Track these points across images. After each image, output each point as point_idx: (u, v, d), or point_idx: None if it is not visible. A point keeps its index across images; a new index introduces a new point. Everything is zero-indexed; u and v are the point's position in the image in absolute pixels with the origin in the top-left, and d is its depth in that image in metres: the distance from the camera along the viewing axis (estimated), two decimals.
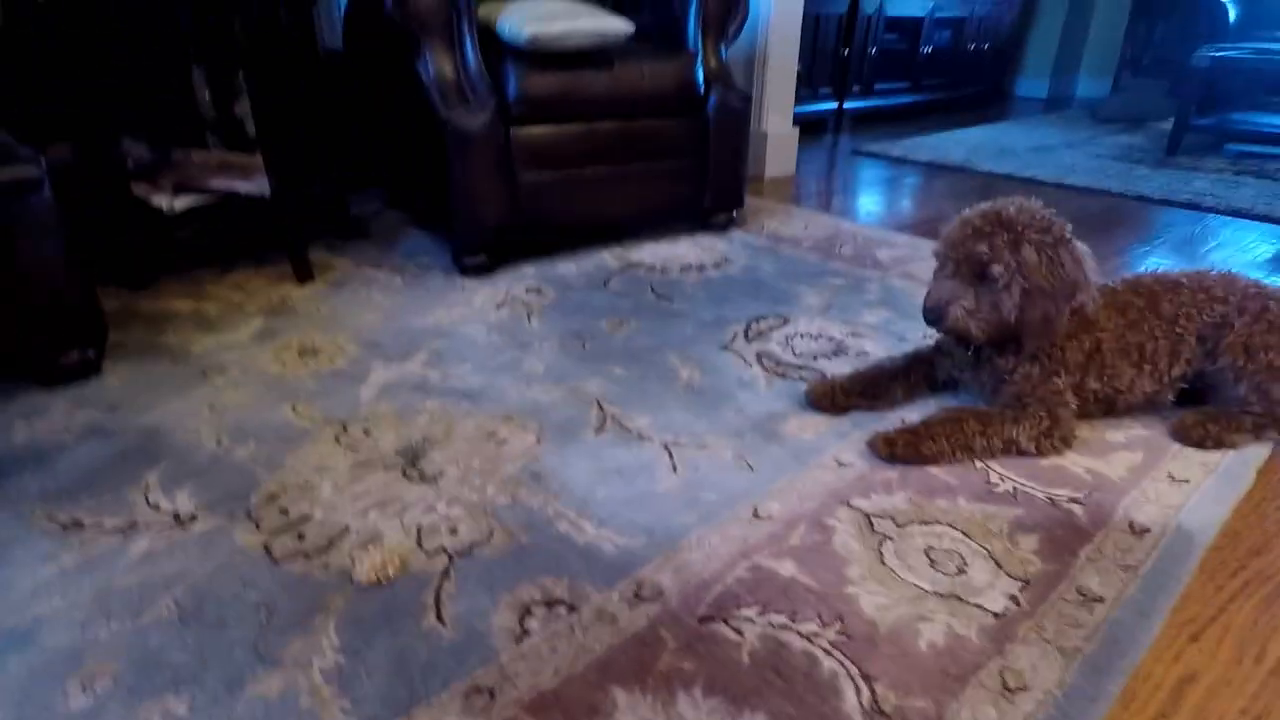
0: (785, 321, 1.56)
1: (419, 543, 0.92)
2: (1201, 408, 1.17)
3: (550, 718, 0.70)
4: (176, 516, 0.97)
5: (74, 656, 0.77)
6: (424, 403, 1.23)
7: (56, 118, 1.55)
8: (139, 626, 0.80)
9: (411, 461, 1.08)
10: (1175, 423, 1.15)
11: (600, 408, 1.22)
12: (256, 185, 1.72)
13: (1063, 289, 1.03)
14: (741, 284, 1.76)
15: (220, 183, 1.73)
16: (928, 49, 4.05)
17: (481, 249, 1.76)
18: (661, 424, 1.18)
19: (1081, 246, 1.07)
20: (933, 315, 1.09)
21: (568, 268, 1.84)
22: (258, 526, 0.95)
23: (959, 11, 4.14)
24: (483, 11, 1.73)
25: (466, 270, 1.77)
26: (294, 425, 1.17)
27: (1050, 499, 1.01)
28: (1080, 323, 1.10)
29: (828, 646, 0.77)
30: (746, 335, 1.49)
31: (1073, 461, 1.09)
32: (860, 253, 1.99)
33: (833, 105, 3.68)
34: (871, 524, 0.96)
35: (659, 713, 0.70)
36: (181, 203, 1.65)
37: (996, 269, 1.03)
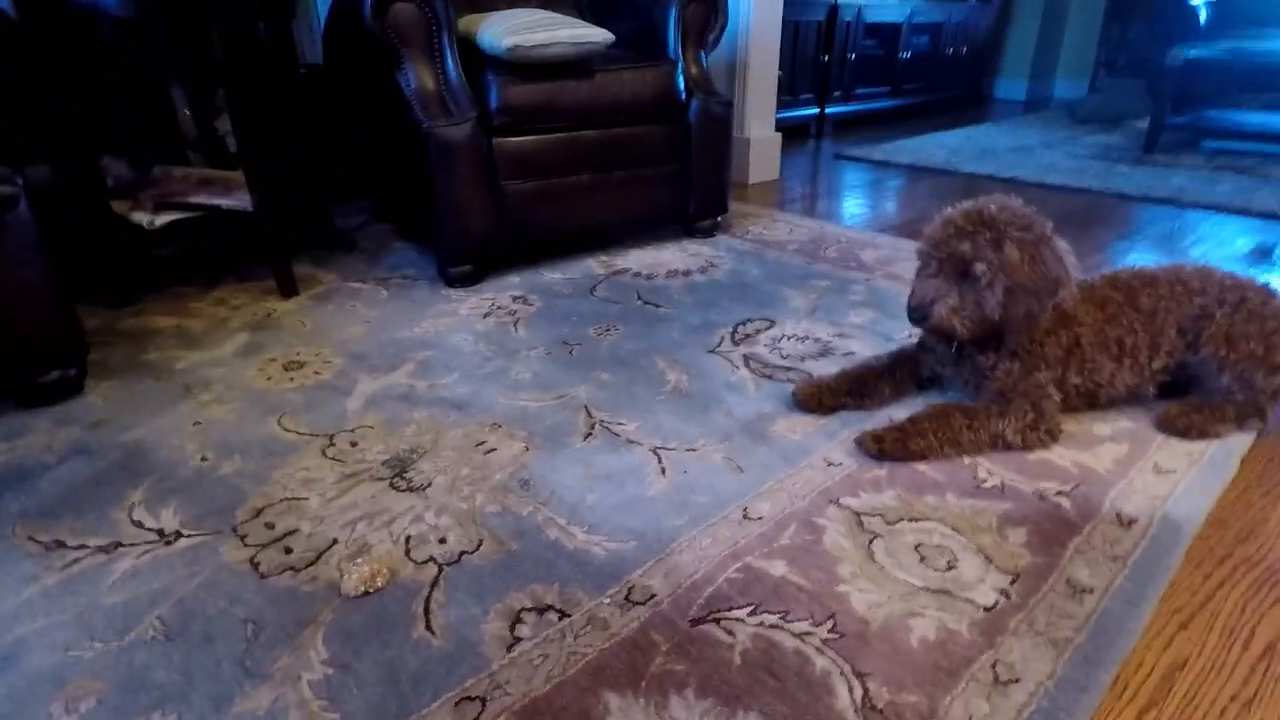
0: (772, 324, 1.56)
1: (408, 553, 0.92)
2: (1185, 399, 1.18)
3: None
4: (161, 534, 0.96)
5: (57, 678, 0.76)
6: (411, 413, 1.23)
7: (35, 137, 1.54)
8: (124, 645, 0.79)
9: (399, 472, 1.08)
10: (1160, 414, 1.16)
11: (588, 414, 1.22)
12: (238, 200, 1.71)
13: (1045, 286, 1.04)
14: (728, 288, 1.77)
15: (201, 198, 1.72)
16: (906, 54, 4.09)
17: (467, 259, 1.76)
18: (650, 428, 1.18)
19: (1062, 244, 1.08)
20: (917, 315, 1.10)
21: (554, 276, 1.84)
22: (244, 541, 0.94)
23: (936, 17, 4.20)
24: (463, 23, 1.74)
25: (452, 281, 1.77)
26: (280, 439, 1.16)
27: (1038, 493, 1.02)
28: (1059, 318, 1.11)
29: (820, 645, 0.77)
30: (733, 339, 1.50)
31: (1059, 455, 1.10)
32: (845, 255, 2.00)
33: (814, 111, 3.71)
34: (861, 522, 0.96)
35: (652, 716, 0.70)
36: (162, 219, 1.64)
37: (979, 267, 1.04)
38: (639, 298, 1.71)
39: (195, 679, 0.75)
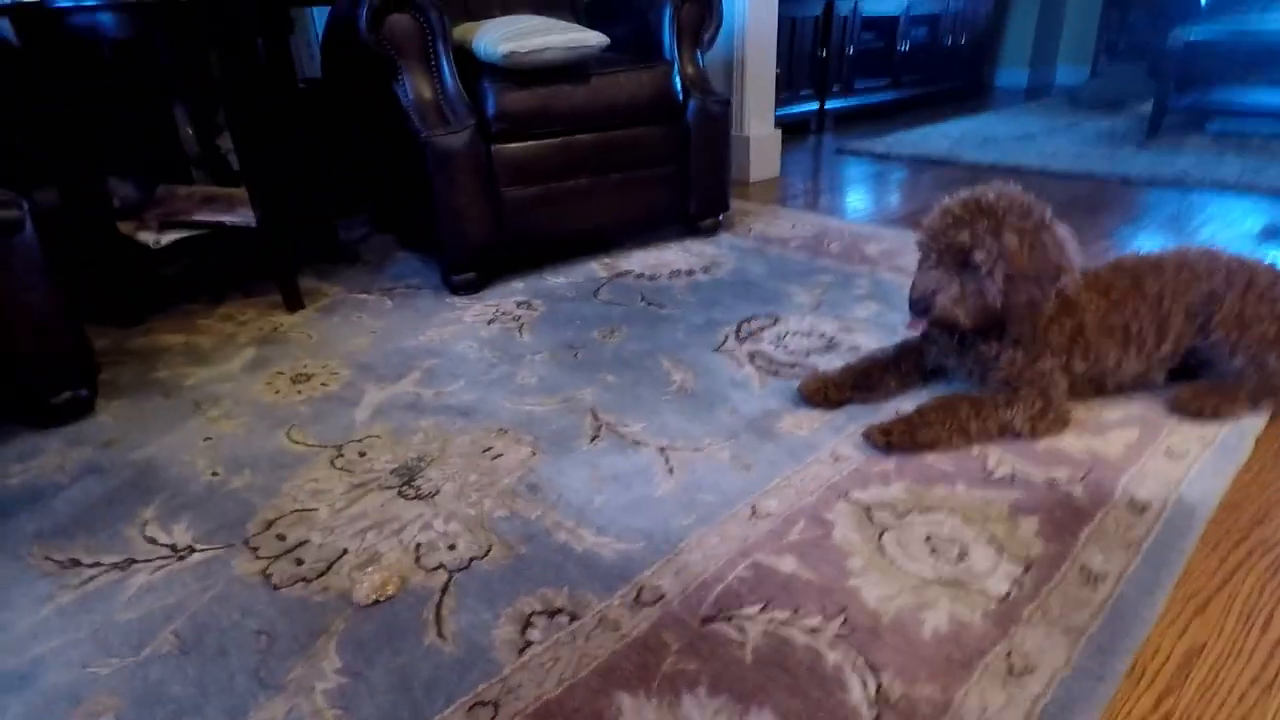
0: (776, 321, 1.56)
1: (418, 560, 0.92)
2: (1197, 381, 1.16)
3: None
4: (174, 549, 0.97)
5: (74, 695, 0.76)
6: (418, 422, 1.23)
7: (42, 161, 1.56)
8: (139, 661, 0.80)
9: (408, 480, 1.08)
10: (1172, 397, 1.15)
11: (594, 416, 1.22)
12: (242, 217, 1.73)
13: (1046, 272, 1.03)
14: (731, 286, 1.77)
15: (206, 216, 1.73)
16: (905, 46, 4.08)
17: (470, 266, 1.77)
18: (656, 429, 1.18)
19: (1063, 229, 1.07)
20: (920, 306, 1.09)
21: (557, 280, 1.85)
22: (255, 554, 0.95)
23: (934, 8, 4.18)
24: (457, 32, 1.75)
25: (456, 288, 1.77)
26: (289, 452, 1.17)
27: (1049, 481, 1.01)
28: (1062, 305, 1.10)
29: (831, 640, 0.77)
30: (738, 336, 1.49)
31: (1070, 442, 1.09)
32: (848, 249, 2.00)
33: (814, 106, 3.70)
34: (870, 515, 0.96)
35: (664, 715, 0.70)
36: (167, 238, 1.66)
37: (979, 256, 1.03)
38: (642, 299, 1.71)
39: (210, 692, 0.75)
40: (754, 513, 0.97)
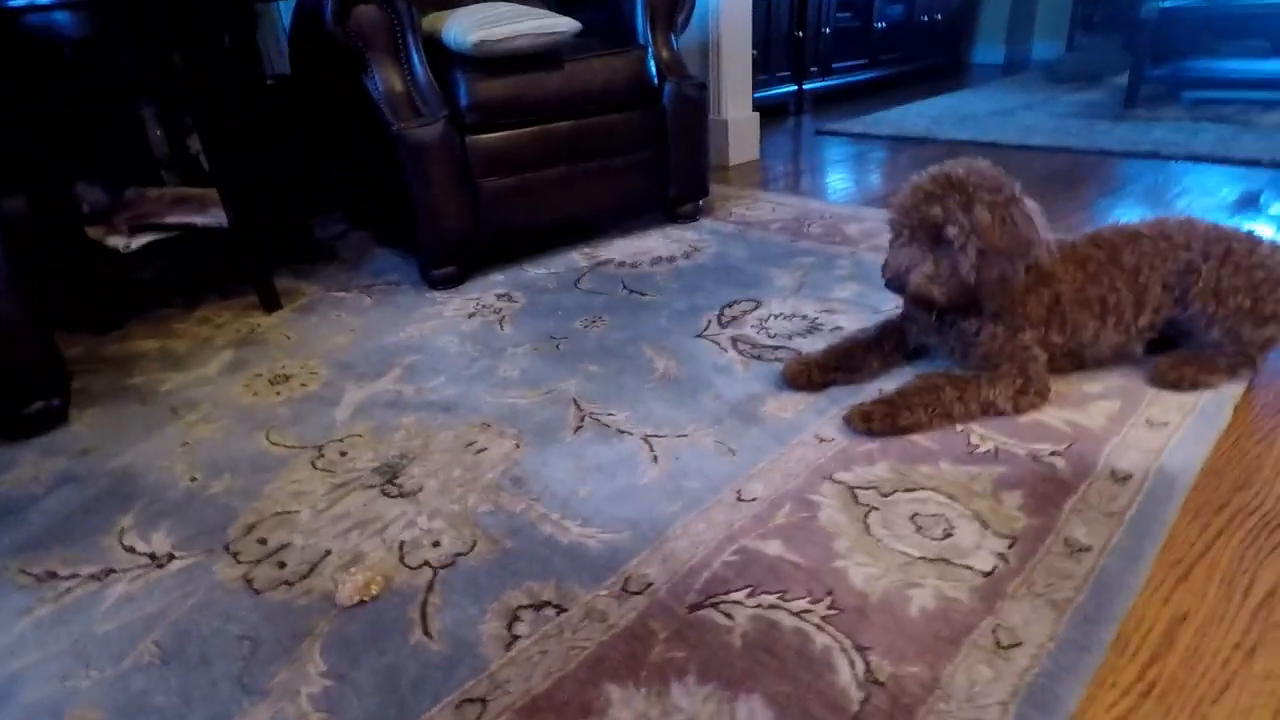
0: (758, 304, 1.55)
1: (402, 559, 0.91)
2: (1176, 351, 1.17)
3: None
4: (153, 557, 0.95)
5: (55, 709, 0.75)
6: (400, 419, 1.22)
7: (5, 168, 1.52)
8: (120, 672, 0.78)
9: (390, 478, 1.07)
10: (1151, 368, 1.16)
11: (578, 407, 1.21)
12: (214, 218, 1.69)
13: (1017, 247, 1.03)
14: (713, 271, 1.76)
15: (177, 218, 1.70)
16: (881, 25, 4.06)
17: (449, 260, 1.75)
18: (640, 417, 1.17)
19: (1031, 203, 1.07)
20: (894, 284, 1.09)
21: (538, 271, 1.83)
22: (237, 559, 0.93)
23: None
24: (427, 22, 1.71)
25: (435, 283, 1.75)
26: (269, 454, 1.15)
27: (1032, 454, 1.01)
28: (1038, 276, 1.10)
29: (819, 622, 0.77)
30: (720, 321, 1.49)
31: (1052, 415, 1.10)
32: (829, 230, 1.99)
33: (792, 88, 3.68)
34: (856, 496, 0.96)
35: (653, 704, 0.69)
36: (138, 242, 1.63)
37: (951, 230, 1.03)
38: (624, 287, 1.70)
39: (193, 701, 0.74)
40: (739, 497, 0.97)
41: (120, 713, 0.74)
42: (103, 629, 0.84)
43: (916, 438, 1.06)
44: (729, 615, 0.79)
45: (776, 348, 1.37)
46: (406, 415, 1.23)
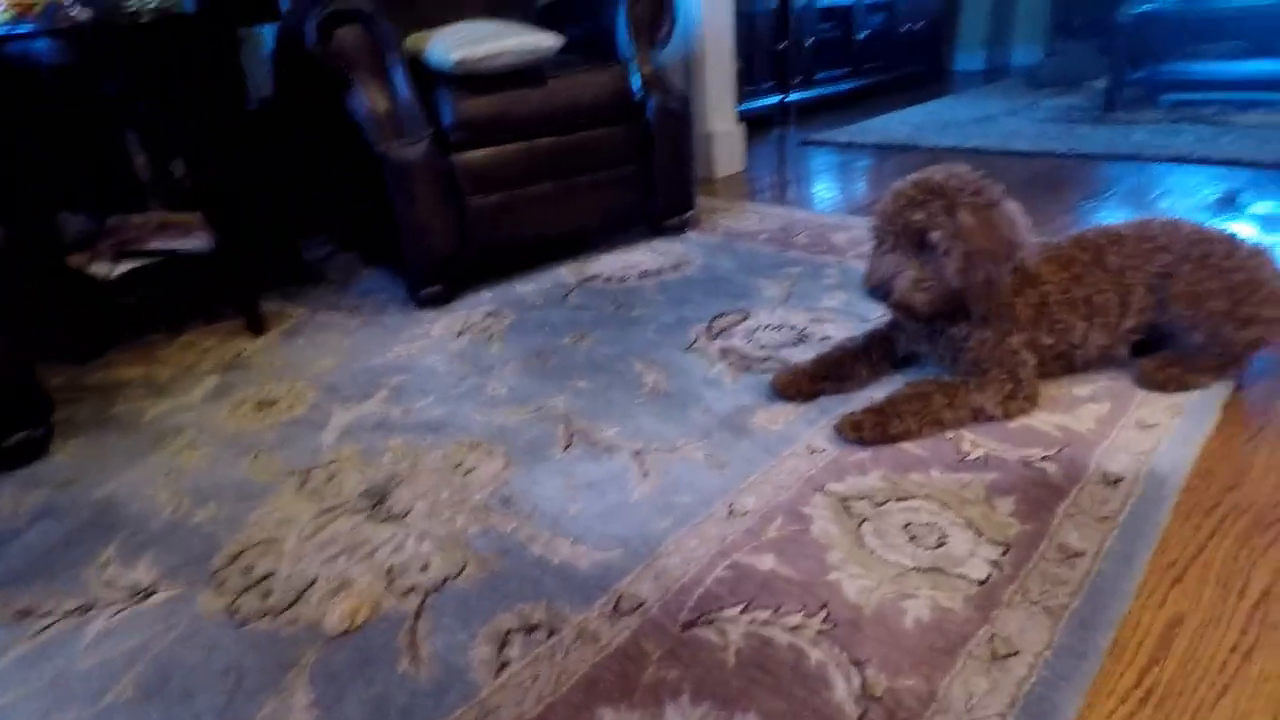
0: (746, 316, 1.55)
1: (390, 584, 0.89)
2: (1162, 353, 1.17)
3: None
4: (135, 590, 0.93)
5: None
6: (387, 441, 1.21)
7: None
8: (100, 710, 0.77)
9: (378, 502, 1.05)
10: (1138, 370, 1.16)
11: (567, 424, 1.20)
12: (198, 242, 1.68)
13: (1001, 249, 1.03)
14: (700, 284, 1.76)
15: (160, 244, 1.69)
16: (863, 34, 4.10)
17: (436, 279, 1.74)
18: (630, 433, 1.16)
19: (1013, 206, 1.07)
20: (879, 292, 1.09)
21: (525, 287, 1.83)
22: (221, 589, 0.92)
23: None
24: (409, 41, 1.72)
25: (423, 302, 1.74)
26: (254, 480, 1.14)
27: (1023, 460, 1.01)
28: (1024, 279, 1.10)
29: (814, 637, 0.76)
30: (709, 334, 1.48)
31: (1042, 420, 1.09)
32: (816, 240, 2.00)
33: (776, 99, 3.71)
34: (848, 507, 0.95)
35: None
36: (121, 269, 1.61)
37: (935, 235, 1.03)
38: (612, 302, 1.69)
39: None
40: (731, 512, 0.96)
41: None
42: (83, 665, 0.82)
43: (907, 446, 1.06)
44: (723, 632, 0.78)
45: (765, 359, 1.36)
46: (394, 437, 1.21)
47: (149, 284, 1.67)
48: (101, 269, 1.61)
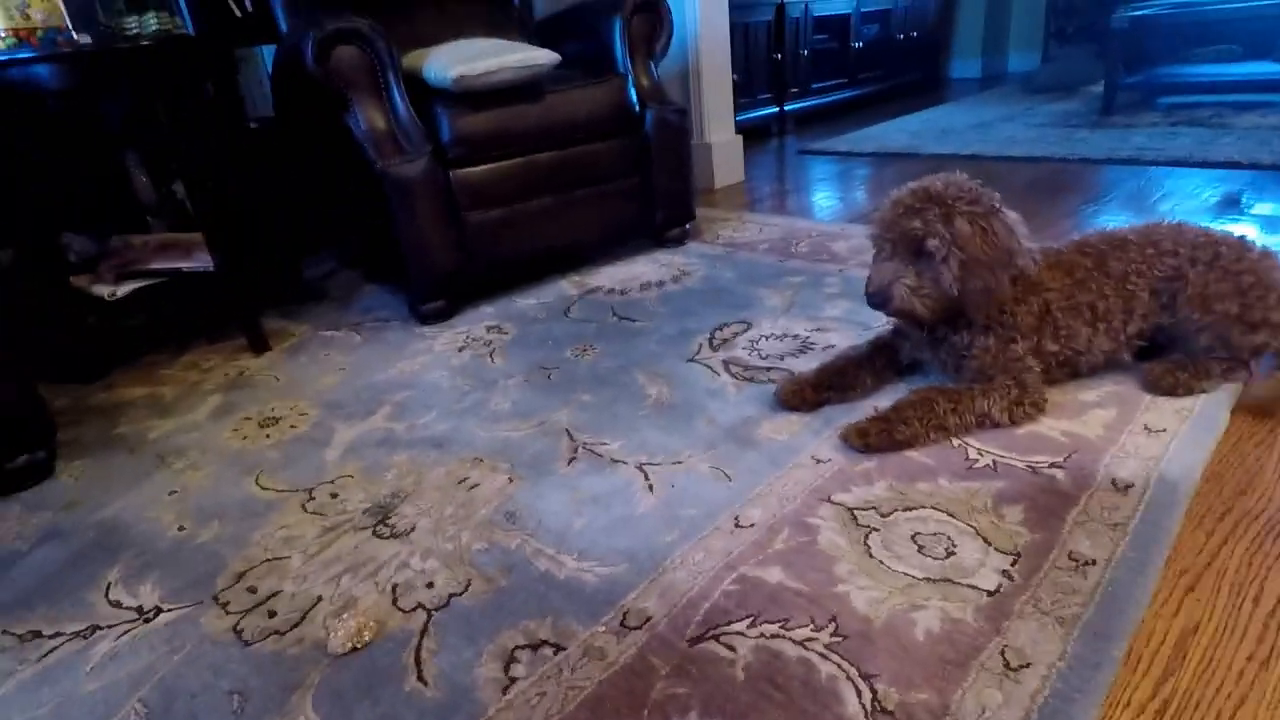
0: (749, 326, 1.55)
1: (395, 602, 0.89)
2: (1169, 357, 1.16)
3: None
4: (140, 611, 0.93)
5: None
6: (391, 457, 1.20)
7: None
8: None
9: (382, 519, 1.05)
10: (1145, 374, 1.15)
11: (571, 437, 1.20)
12: (200, 262, 1.69)
13: (999, 257, 1.03)
14: (702, 294, 1.76)
15: (162, 264, 1.70)
16: (859, 44, 4.13)
17: (437, 295, 1.74)
18: (634, 445, 1.16)
19: (1012, 214, 1.07)
20: (878, 299, 1.09)
21: (527, 301, 1.83)
22: (225, 610, 0.91)
23: (885, 3, 4.24)
24: (408, 60, 1.73)
25: (425, 318, 1.75)
26: (258, 499, 1.13)
27: (1031, 467, 1.00)
28: (1026, 286, 1.09)
29: (823, 650, 0.75)
30: (711, 344, 1.48)
31: (1049, 426, 1.09)
32: (817, 248, 2.00)
33: (774, 109, 3.73)
34: (855, 517, 0.94)
35: None
36: (124, 289, 1.62)
37: (932, 243, 1.03)
38: (614, 314, 1.69)
39: None
40: (737, 524, 0.95)
41: None
42: (87, 689, 0.82)
43: (914, 455, 1.05)
44: (731, 647, 0.77)
45: (769, 369, 1.36)
46: (398, 453, 1.21)
47: (152, 304, 1.67)
48: (104, 289, 1.62)
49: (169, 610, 0.92)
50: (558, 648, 0.79)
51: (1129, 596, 0.77)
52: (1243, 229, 1.41)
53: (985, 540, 0.88)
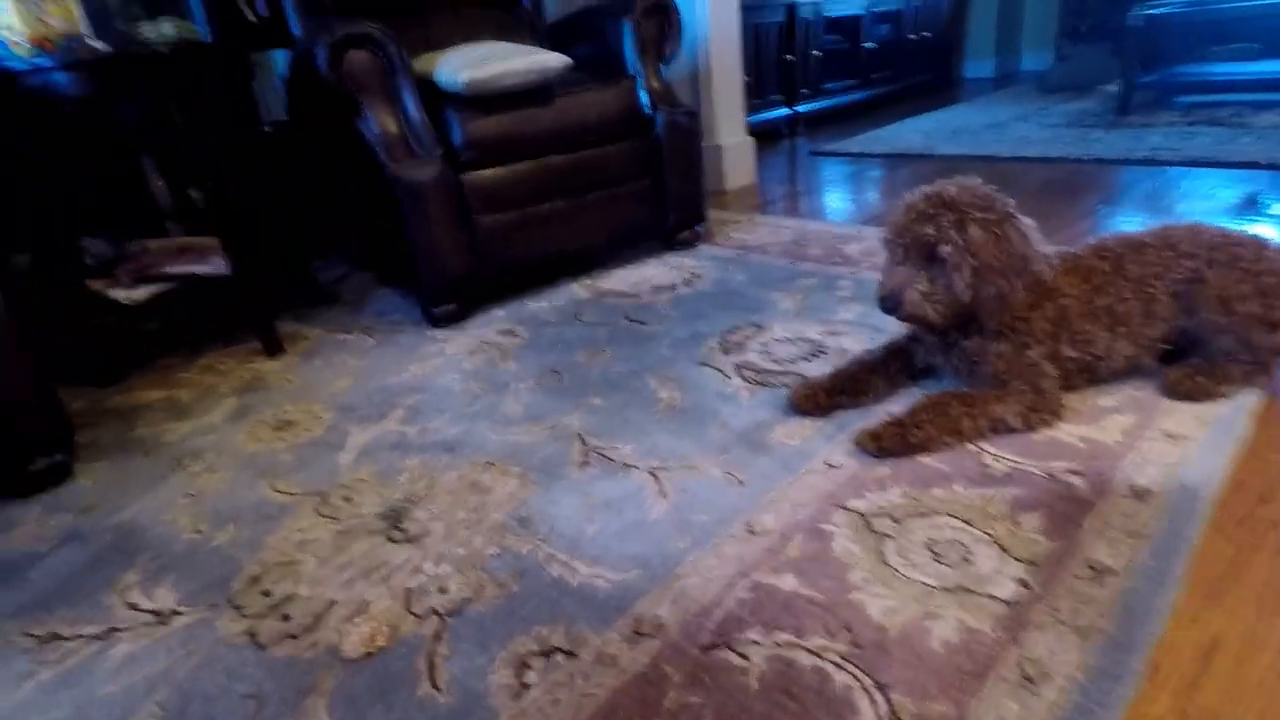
0: (760, 329, 1.54)
1: (408, 607, 0.89)
2: (1188, 362, 1.15)
3: None
4: (156, 614, 0.93)
5: None
6: (404, 461, 1.21)
7: (15, 226, 1.53)
8: None
9: (395, 523, 1.05)
10: (1164, 379, 1.14)
11: (582, 441, 1.20)
12: (215, 266, 1.70)
13: (1012, 264, 1.02)
14: (713, 298, 1.75)
15: (178, 268, 1.71)
16: (871, 44, 4.10)
17: (449, 298, 1.75)
18: (646, 450, 1.16)
19: (1026, 220, 1.06)
20: (889, 303, 1.08)
21: (539, 305, 1.83)
22: (241, 613, 0.92)
23: (896, 4, 4.21)
24: (419, 64, 1.74)
25: (437, 321, 1.75)
26: (273, 502, 1.14)
27: (1048, 473, 0.99)
28: (1042, 291, 1.08)
29: (838, 660, 0.74)
30: (723, 348, 1.48)
31: (1066, 432, 1.07)
32: (829, 251, 1.99)
33: (785, 111, 3.71)
34: (869, 524, 0.93)
35: None
36: (140, 293, 1.63)
37: (945, 249, 1.02)
38: (625, 317, 1.69)
39: None
40: (750, 530, 0.95)
41: None
42: (105, 691, 0.82)
43: (928, 460, 1.04)
44: (744, 655, 0.76)
45: (781, 372, 1.35)
46: (410, 457, 1.22)
47: (168, 307, 1.69)
48: (121, 293, 1.64)
49: (185, 613, 0.93)
50: (570, 655, 0.79)
51: (1149, 607, 0.76)
52: (1263, 230, 1.39)
53: (1002, 548, 0.87)
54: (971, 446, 1.06)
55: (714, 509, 1.00)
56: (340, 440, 1.30)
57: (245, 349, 1.75)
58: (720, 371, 1.38)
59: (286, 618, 0.90)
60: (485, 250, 1.75)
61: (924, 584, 0.83)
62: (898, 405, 1.17)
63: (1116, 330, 1.11)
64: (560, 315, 1.75)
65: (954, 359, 1.15)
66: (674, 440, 1.17)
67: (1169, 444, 1.02)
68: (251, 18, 2.14)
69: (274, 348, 1.70)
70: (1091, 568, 0.82)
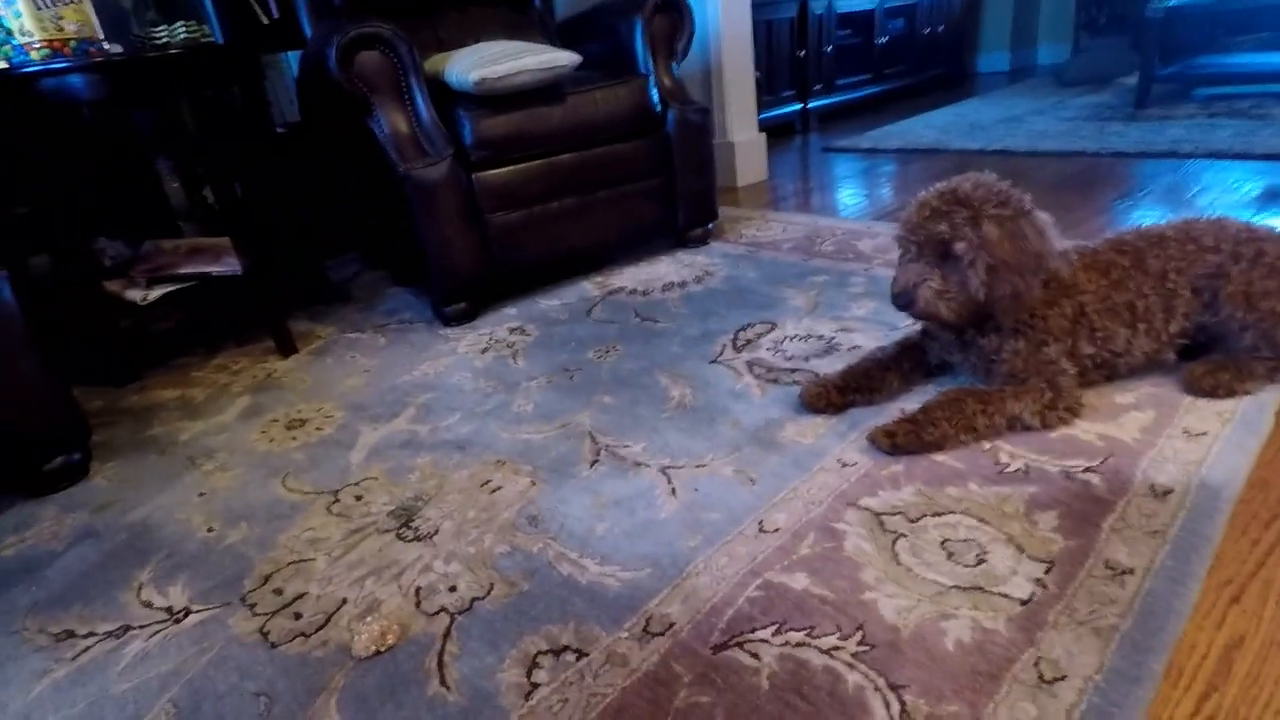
0: (773, 326, 1.53)
1: (418, 605, 0.89)
2: (1209, 358, 1.12)
3: None
4: (170, 611, 0.94)
5: None
6: (414, 459, 1.21)
7: (33, 228, 1.55)
8: None
9: (405, 522, 1.05)
10: (1185, 375, 1.11)
11: (593, 440, 1.20)
12: (229, 266, 1.72)
13: (1027, 261, 1.00)
14: (725, 295, 1.74)
15: (192, 268, 1.73)
16: (884, 39, 4.07)
17: (460, 297, 1.75)
18: (657, 448, 1.15)
19: (1043, 216, 1.04)
20: (902, 300, 1.06)
21: (550, 302, 1.83)
22: (253, 611, 0.92)
23: None
24: (430, 64, 1.74)
25: (448, 320, 1.75)
26: (285, 501, 1.15)
27: (1065, 471, 0.97)
28: (1060, 288, 1.06)
29: (850, 660, 0.73)
30: (735, 346, 1.47)
31: (1083, 429, 1.06)
32: (842, 247, 1.97)
33: (797, 107, 3.69)
34: (882, 523, 0.92)
35: None
36: (155, 293, 1.65)
37: (959, 246, 1.00)
38: (636, 315, 1.69)
39: None
40: (762, 529, 0.94)
41: None
42: (119, 689, 0.83)
43: (943, 458, 1.03)
44: (755, 655, 0.76)
45: (793, 370, 1.34)
46: (421, 456, 1.22)
47: (183, 308, 1.70)
48: (137, 294, 1.65)
49: (198, 611, 0.93)
50: (580, 654, 0.79)
51: (1169, 607, 0.75)
52: None
53: (1018, 547, 0.85)
54: (987, 444, 1.04)
55: (725, 507, 0.99)
56: (351, 439, 1.30)
57: (258, 348, 1.76)
58: (732, 369, 1.37)
59: (298, 616, 0.90)
60: (496, 249, 1.75)
61: (938, 583, 0.81)
62: (912, 403, 1.15)
63: (1136, 326, 1.09)
64: (571, 313, 1.75)
65: (970, 356, 1.13)
66: (685, 438, 1.17)
67: (1190, 441, 1.00)
68: (264, 20, 2.15)
69: (287, 347, 1.71)
70: (1110, 567, 0.80)
